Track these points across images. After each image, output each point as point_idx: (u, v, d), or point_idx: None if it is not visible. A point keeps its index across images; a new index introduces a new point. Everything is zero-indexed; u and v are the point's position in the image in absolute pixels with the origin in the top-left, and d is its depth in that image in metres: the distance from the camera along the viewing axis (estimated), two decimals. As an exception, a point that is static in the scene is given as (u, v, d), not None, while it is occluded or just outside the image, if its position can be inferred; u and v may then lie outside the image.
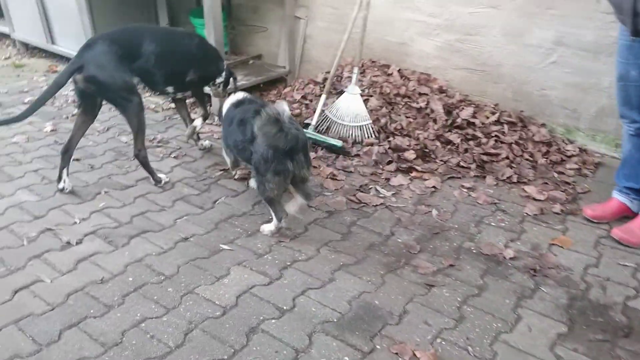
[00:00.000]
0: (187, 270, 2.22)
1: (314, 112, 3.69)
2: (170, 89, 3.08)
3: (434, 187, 2.94)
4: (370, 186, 2.96)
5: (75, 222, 2.55)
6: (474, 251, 2.41)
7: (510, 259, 2.33)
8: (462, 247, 2.44)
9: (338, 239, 2.49)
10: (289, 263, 2.29)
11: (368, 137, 3.40)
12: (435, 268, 2.28)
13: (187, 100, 3.54)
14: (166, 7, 5.03)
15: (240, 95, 2.90)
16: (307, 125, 3.57)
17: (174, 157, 3.34)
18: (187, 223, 2.59)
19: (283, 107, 2.25)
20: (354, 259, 2.34)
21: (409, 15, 3.78)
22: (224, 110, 2.86)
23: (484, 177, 3.02)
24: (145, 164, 2.91)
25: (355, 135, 3.42)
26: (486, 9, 3.42)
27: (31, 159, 3.24)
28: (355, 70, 3.43)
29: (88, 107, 2.87)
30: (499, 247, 2.41)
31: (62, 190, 2.83)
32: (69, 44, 5.25)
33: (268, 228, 2.52)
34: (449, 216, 2.68)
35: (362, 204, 2.78)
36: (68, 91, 4.57)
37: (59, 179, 2.84)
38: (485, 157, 3.14)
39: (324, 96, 3.46)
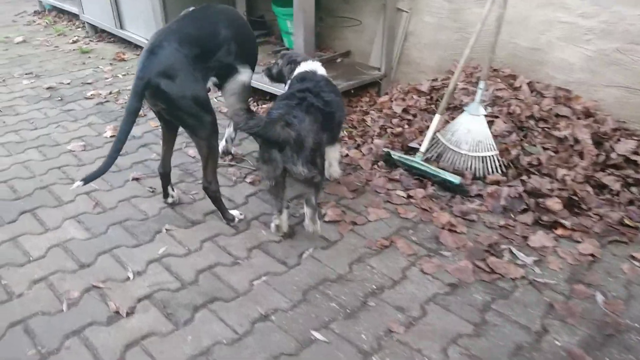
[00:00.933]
0: (269, 376, 1.62)
1: (420, 132, 3.00)
2: None
3: (591, 255, 2.18)
4: (503, 246, 2.24)
5: (128, 278, 2.00)
6: (675, 375, 1.66)
7: None
8: (654, 364, 1.69)
9: (469, 332, 1.81)
10: (407, 373, 1.64)
11: (493, 172, 2.66)
12: (624, 404, 1.55)
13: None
14: (245, -8, 4.44)
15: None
16: (411, 150, 2.89)
17: (250, 182, 2.74)
18: (267, 288, 1.99)
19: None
20: (499, 374, 1.65)
21: (551, 13, 2.96)
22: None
23: (662, 243, 2.23)
24: (215, 200, 2.34)
25: (475, 169, 2.69)
26: (668, 10, 2.56)
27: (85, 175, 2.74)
28: (482, 85, 2.68)
29: (170, 122, 2.34)
30: None
31: (172, 204, 2.52)
32: (138, 30, 4.80)
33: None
34: (622, 306, 1.92)
35: (496, 275, 2.07)
36: (133, 86, 4.10)
37: (165, 195, 2.52)
38: (659, 214, 2.33)
39: (438, 116, 2.74)
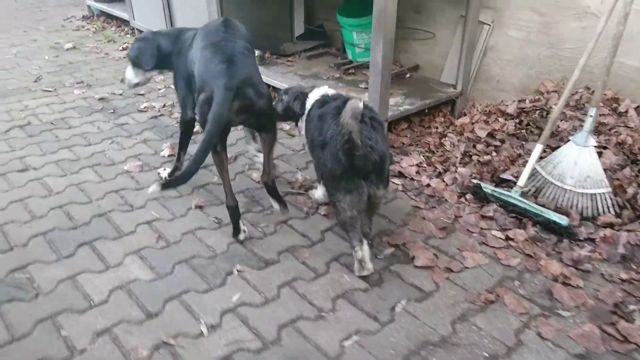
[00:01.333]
0: None
1: (511, 161, 2.68)
2: None
3: None
4: (632, 306, 1.89)
5: (202, 333, 1.75)
6: None
7: None
8: None
9: (613, 423, 1.49)
10: None
11: (604, 212, 2.32)
12: None
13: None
14: (304, -1, 4.20)
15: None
16: (503, 182, 2.57)
17: (324, 214, 2.47)
18: (360, 352, 1.70)
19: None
20: None
21: (668, 30, 2.60)
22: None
23: None
24: (274, 188, 2.38)
25: (583, 207, 2.35)
26: None
27: (145, 201, 2.52)
28: (592, 112, 2.35)
29: (224, 140, 2.15)
30: None
31: (242, 240, 2.27)
32: (191, 39, 4.59)
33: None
34: None
35: (631, 346, 1.73)
36: (188, 98, 3.89)
37: (236, 232, 2.26)
38: None
39: (540, 146, 2.41)
